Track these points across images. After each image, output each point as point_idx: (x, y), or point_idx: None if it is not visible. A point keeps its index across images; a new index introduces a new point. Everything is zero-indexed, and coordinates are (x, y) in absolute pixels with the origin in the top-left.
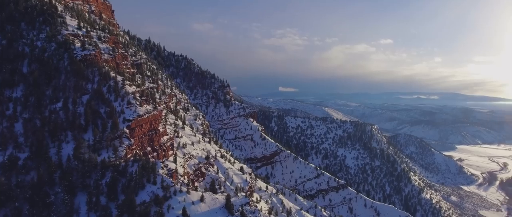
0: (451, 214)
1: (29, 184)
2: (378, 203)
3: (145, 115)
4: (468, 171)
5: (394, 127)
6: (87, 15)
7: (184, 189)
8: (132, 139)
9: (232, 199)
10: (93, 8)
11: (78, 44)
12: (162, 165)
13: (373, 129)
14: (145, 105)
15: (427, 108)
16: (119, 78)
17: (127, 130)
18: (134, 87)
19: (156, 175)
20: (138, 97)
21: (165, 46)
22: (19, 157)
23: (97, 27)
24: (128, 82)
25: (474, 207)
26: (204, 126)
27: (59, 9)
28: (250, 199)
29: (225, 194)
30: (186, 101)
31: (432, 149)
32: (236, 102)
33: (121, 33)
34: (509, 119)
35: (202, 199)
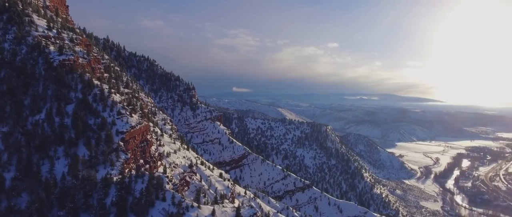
0: (398, 206)
1: (28, 208)
2: (341, 200)
3: (137, 126)
4: (408, 167)
5: (342, 127)
6: (42, 11)
7: (195, 203)
8: (128, 153)
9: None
10: (48, 3)
11: (51, 47)
12: (167, 179)
13: (328, 130)
14: (134, 115)
15: (370, 108)
16: (105, 86)
17: (122, 143)
18: (119, 95)
19: (164, 191)
20: (126, 106)
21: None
22: (5, 177)
23: (66, 26)
24: (113, 90)
25: (416, 199)
26: (173, 131)
27: (20, 5)
28: (233, 205)
29: (232, 205)
30: (152, 104)
31: (378, 147)
32: (202, 105)
33: (78, 30)
34: (438, 118)
35: (213, 213)
